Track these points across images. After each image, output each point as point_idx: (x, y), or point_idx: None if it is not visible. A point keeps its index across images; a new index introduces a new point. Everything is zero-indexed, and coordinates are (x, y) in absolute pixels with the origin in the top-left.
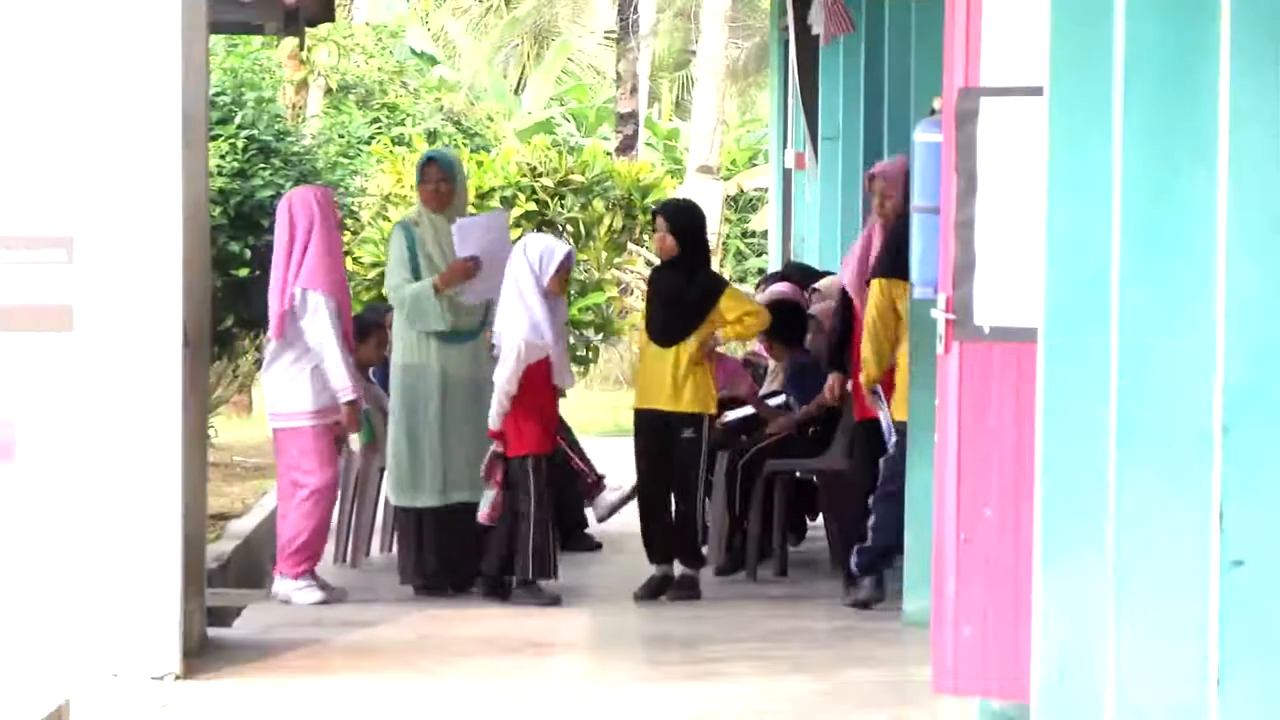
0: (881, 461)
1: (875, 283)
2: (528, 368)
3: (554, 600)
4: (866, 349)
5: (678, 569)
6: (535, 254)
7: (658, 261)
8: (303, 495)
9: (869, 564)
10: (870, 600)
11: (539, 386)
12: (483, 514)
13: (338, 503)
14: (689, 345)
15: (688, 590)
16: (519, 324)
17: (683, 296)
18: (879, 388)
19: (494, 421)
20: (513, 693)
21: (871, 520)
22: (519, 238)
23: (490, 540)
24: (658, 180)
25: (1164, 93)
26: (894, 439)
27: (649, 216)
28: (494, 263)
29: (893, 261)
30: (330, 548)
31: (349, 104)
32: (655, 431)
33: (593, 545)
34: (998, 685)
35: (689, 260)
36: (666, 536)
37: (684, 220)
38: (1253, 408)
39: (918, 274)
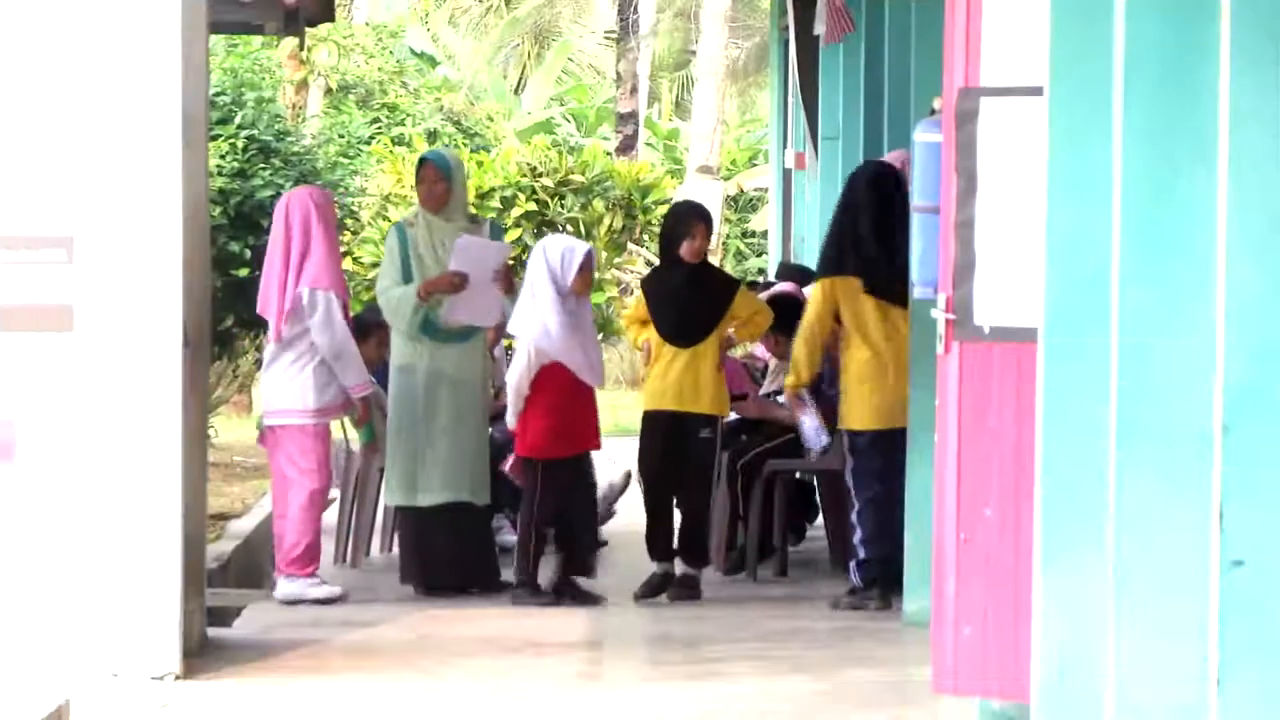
0: (848, 474)
1: (818, 284)
2: (541, 368)
3: (554, 600)
4: (799, 351)
5: (679, 568)
6: (555, 256)
7: (657, 262)
8: (303, 498)
9: (870, 577)
10: (865, 603)
11: (552, 388)
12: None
13: (337, 502)
14: (710, 345)
15: (688, 590)
16: (531, 327)
17: (698, 296)
18: (805, 392)
19: (510, 420)
20: (513, 693)
21: (859, 535)
22: (518, 238)
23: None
24: (658, 180)
25: (1164, 93)
26: (822, 443)
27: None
28: (480, 288)
29: (837, 260)
30: (330, 548)
31: (349, 104)
32: (668, 432)
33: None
34: (998, 685)
35: (702, 262)
36: (669, 536)
37: (711, 223)
38: (1253, 408)
39: (918, 274)
